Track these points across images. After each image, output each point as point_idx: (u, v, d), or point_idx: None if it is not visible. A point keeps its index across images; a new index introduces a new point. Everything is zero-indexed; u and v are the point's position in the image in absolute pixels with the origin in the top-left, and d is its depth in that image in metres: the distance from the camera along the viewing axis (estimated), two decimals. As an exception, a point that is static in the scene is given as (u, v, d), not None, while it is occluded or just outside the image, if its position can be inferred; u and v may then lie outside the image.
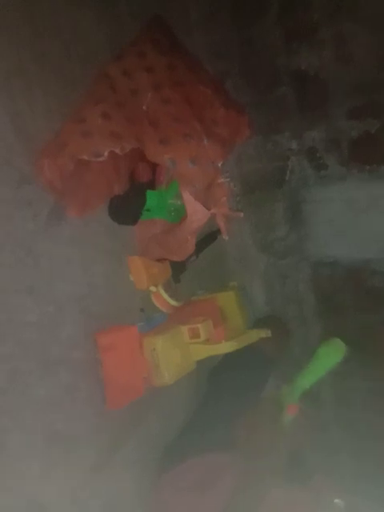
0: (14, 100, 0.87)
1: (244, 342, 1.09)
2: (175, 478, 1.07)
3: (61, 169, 0.89)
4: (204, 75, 1.08)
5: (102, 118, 0.88)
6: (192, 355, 1.05)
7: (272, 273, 1.47)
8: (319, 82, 1.22)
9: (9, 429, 0.84)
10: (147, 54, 1.02)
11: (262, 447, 1.00)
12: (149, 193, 1.00)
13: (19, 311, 0.87)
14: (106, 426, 1.01)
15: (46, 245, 0.92)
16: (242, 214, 0.99)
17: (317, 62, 1.20)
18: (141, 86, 0.98)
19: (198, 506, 0.99)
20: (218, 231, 1.11)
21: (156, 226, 1.07)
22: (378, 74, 1.15)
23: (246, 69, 1.29)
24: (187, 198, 0.93)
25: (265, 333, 1.12)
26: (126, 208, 1.00)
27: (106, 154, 0.85)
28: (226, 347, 1.06)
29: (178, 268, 1.12)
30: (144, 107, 0.95)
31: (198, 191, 0.92)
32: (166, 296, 1.07)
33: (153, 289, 1.06)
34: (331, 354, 1.06)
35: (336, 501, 0.90)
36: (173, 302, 1.09)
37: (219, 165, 0.95)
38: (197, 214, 0.94)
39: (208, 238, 1.21)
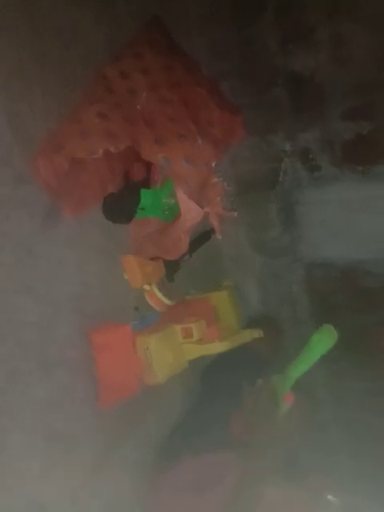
0: (12, 100, 0.88)
1: (237, 342, 1.10)
2: (173, 478, 1.07)
3: (56, 169, 0.89)
4: (200, 76, 1.09)
5: (99, 117, 0.89)
6: (185, 355, 1.05)
7: (266, 273, 1.48)
8: (314, 83, 1.23)
9: (8, 429, 0.85)
10: (144, 55, 1.03)
11: (260, 437, 1.00)
12: (143, 192, 1.01)
13: (19, 311, 0.88)
14: (104, 426, 1.01)
15: (43, 245, 0.92)
16: (235, 214, 1.00)
17: (312, 63, 1.21)
18: (137, 86, 0.99)
19: (196, 507, 0.99)
20: (212, 231, 1.12)
21: (150, 225, 1.07)
22: (373, 76, 1.16)
23: (243, 69, 1.30)
24: (181, 196, 0.93)
25: (258, 333, 1.13)
26: (121, 206, 1.00)
27: (100, 152, 0.86)
28: (218, 347, 1.07)
29: (172, 267, 1.12)
30: (138, 107, 0.96)
31: (192, 190, 0.93)
32: (159, 295, 1.08)
33: (147, 287, 1.07)
34: (324, 341, 1.06)
35: (329, 497, 0.91)
36: (166, 301, 1.09)
37: (213, 165, 0.96)
38: (191, 213, 0.95)
39: (202, 237, 1.21)
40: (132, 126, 0.92)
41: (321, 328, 1.07)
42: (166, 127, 0.95)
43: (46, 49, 0.93)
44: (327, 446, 1.56)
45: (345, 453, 1.55)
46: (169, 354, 1.01)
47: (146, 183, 1.04)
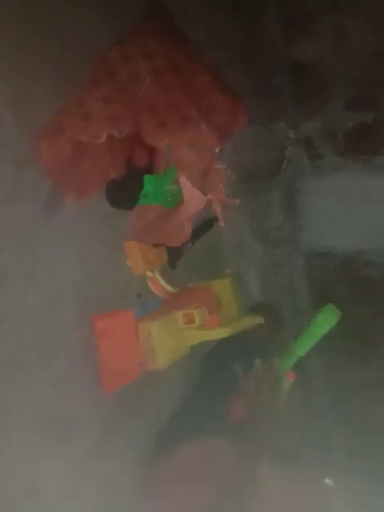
0: (14, 83, 0.87)
1: (237, 328, 1.11)
2: (171, 463, 1.08)
3: (59, 152, 0.89)
4: (203, 61, 1.08)
5: (102, 101, 0.88)
6: (186, 340, 1.06)
7: (267, 262, 1.48)
8: (317, 72, 1.22)
9: (7, 412, 0.85)
10: (147, 40, 1.02)
11: (260, 420, 1.02)
12: (146, 178, 1.01)
13: (19, 296, 0.87)
14: (102, 411, 1.01)
15: (45, 230, 0.92)
16: (238, 201, 1.00)
17: (315, 52, 1.21)
18: (140, 71, 0.98)
19: (194, 492, 1.00)
20: (215, 219, 1.11)
21: (152, 212, 1.07)
22: (376, 65, 1.16)
23: (245, 58, 1.29)
24: (184, 183, 0.93)
25: (258, 319, 1.14)
26: (124, 193, 1.00)
27: (104, 136, 0.85)
28: (219, 333, 1.07)
29: (175, 254, 1.12)
30: (141, 92, 0.95)
31: (195, 177, 0.93)
32: (162, 281, 1.08)
33: (149, 274, 1.07)
34: (328, 320, 1.10)
35: (326, 481, 0.92)
36: (169, 288, 1.10)
37: (216, 151, 0.95)
38: (194, 200, 0.95)
39: (204, 225, 1.21)
40: (135, 111, 0.92)
41: (324, 308, 1.11)
42: (168, 113, 0.95)
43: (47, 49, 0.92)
44: (324, 435, 1.57)
45: (342, 443, 1.57)
46: (170, 339, 1.01)
47: (149, 169, 1.03)
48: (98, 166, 1.00)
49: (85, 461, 0.98)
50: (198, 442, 1.08)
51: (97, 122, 0.86)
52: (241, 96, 1.13)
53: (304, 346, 1.10)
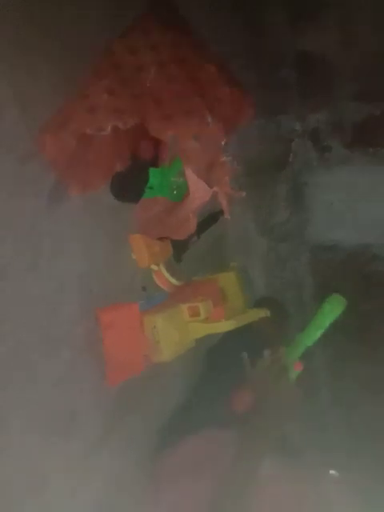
0: (18, 74, 0.87)
1: (243, 321, 1.10)
2: (175, 456, 1.08)
3: (63, 145, 0.88)
4: (208, 53, 1.07)
5: (107, 93, 0.88)
6: (191, 333, 1.05)
7: (272, 256, 1.48)
8: (324, 63, 1.21)
9: (11, 404, 0.85)
10: (152, 31, 1.01)
11: (266, 409, 1.01)
12: (152, 170, 1.00)
13: (23, 288, 0.87)
14: (106, 403, 1.02)
15: (49, 223, 0.92)
16: (244, 194, 0.99)
17: (322, 43, 1.19)
18: (145, 62, 0.97)
19: (197, 485, 1.00)
20: (220, 212, 1.11)
21: (158, 205, 1.06)
22: (384, 56, 1.14)
23: (251, 50, 1.28)
24: (190, 175, 0.93)
25: (264, 312, 1.13)
26: (129, 185, 1.00)
27: (109, 128, 0.85)
28: (224, 326, 1.07)
29: (180, 247, 1.12)
30: (148, 84, 0.95)
31: (201, 169, 0.92)
32: (167, 275, 1.07)
33: (154, 267, 1.07)
34: (335, 309, 1.10)
35: (331, 472, 0.92)
36: (174, 281, 1.09)
37: (222, 143, 0.95)
38: (199, 192, 0.94)
39: (210, 218, 1.20)
40: (140, 103, 0.91)
41: (329, 297, 1.11)
42: (174, 105, 0.94)
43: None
44: (328, 439, 1.57)
45: (343, 434, 1.57)
46: (175, 332, 1.01)
47: (155, 162, 1.03)
48: (103, 158, 0.99)
49: (88, 456, 0.98)
50: (203, 435, 1.09)
51: (101, 114, 0.86)
52: (247, 88, 1.12)
53: (312, 335, 1.10)
